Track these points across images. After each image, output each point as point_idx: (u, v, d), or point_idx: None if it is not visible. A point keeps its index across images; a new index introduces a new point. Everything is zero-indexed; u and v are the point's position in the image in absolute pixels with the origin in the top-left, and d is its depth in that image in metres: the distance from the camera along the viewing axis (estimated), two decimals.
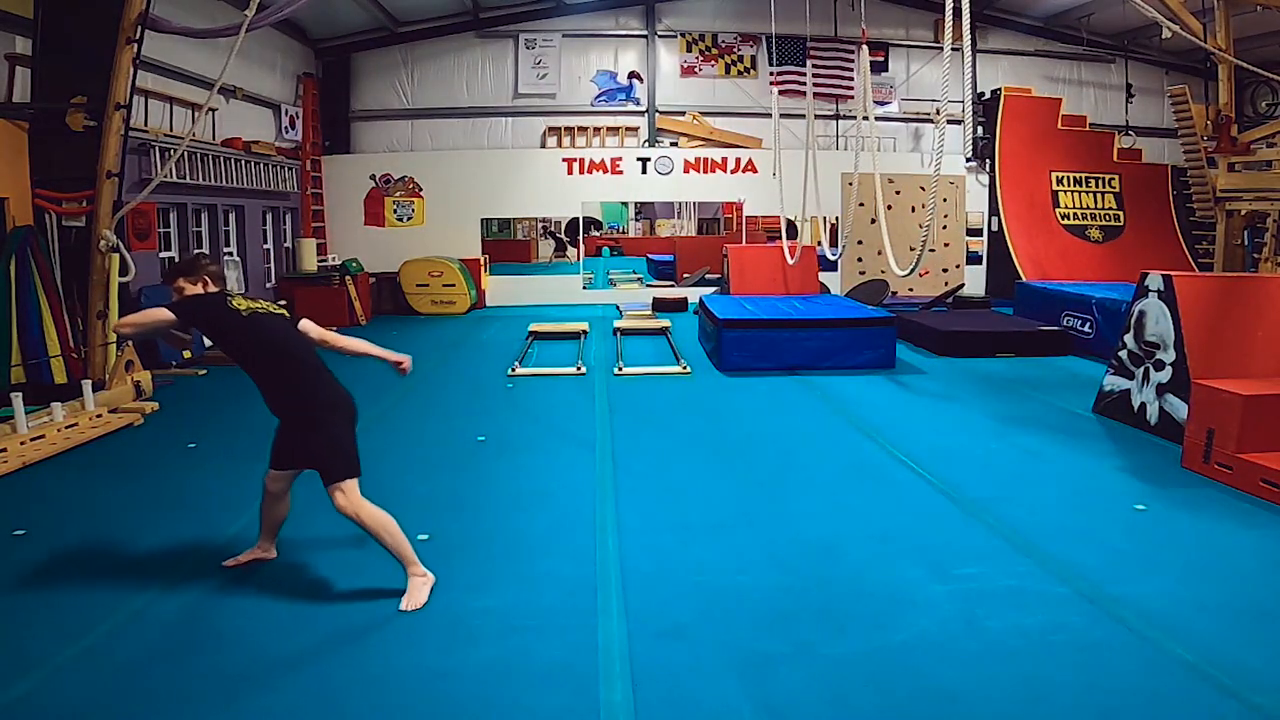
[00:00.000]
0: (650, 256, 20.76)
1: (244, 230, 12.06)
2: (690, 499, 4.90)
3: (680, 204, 23.62)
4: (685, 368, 8.85)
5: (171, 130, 10.08)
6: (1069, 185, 14.60)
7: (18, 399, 5.95)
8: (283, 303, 3.72)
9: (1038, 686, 2.88)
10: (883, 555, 4.03)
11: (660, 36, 15.34)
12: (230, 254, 11.83)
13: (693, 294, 14.18)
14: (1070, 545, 4.11)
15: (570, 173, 14.86)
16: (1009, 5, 15.14)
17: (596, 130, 15.27)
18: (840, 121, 15.58)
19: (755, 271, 11.79)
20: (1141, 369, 6.37)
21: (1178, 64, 15.65)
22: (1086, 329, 9.75)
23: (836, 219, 15.05)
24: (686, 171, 15.01)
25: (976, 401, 7.43)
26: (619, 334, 11.21)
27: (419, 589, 3.52)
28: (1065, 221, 14.48)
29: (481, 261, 14.86)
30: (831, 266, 13.82)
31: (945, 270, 14.87)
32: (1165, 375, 6.10)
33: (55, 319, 7.36)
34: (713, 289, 13.87)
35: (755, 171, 14.85)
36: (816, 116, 13.77)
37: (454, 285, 13.89)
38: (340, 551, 4.11)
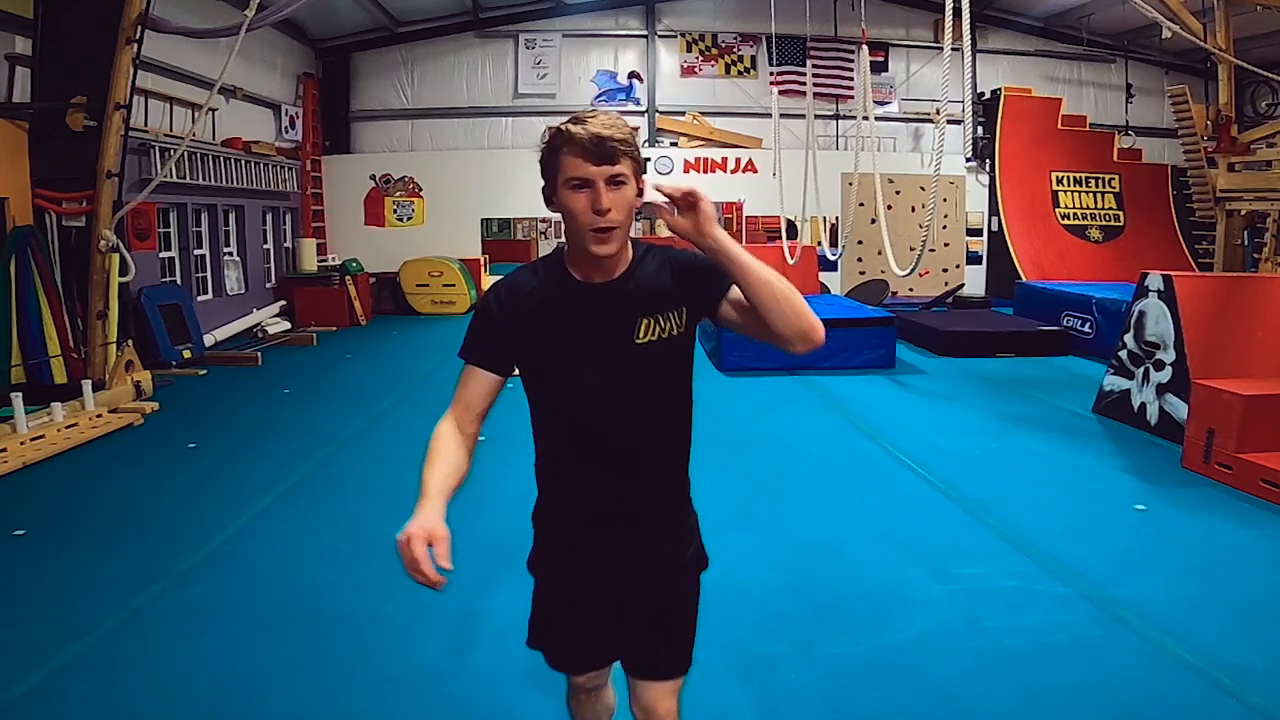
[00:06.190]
0: None
1: (244, 230, 12.05)
2: None
3: None
4: None
5: (171, 130, 10.07)
6: (1069, 185, 14.60)
7: (18, 399, 5.94)
8: None
9: (1038, 686, 2.88)
10: (883, 555, 4.03)
11: (660, 36, 15.33)
12: (230, 254, 11.83)
13: None
14: (1070, 545, 4.10)
15: None
16: (1009, 5, 15.13)
17: None
18: (840, 121, 15.56)
19: None
20: (1141, 369, 6.37)
21: (1178, 64, 15.64)
22: (1086, 329, 9.74)
23: (836, 219, 15.04)
24: (686, 171, 14.99)
25: (976, 401, 7.42)
26: None
27: None
28: (1065, 221, 14.47)
29: (481, 261, 14.85)
30: (831, 266, 13.85)
31: (945, 270, 14.87)
32: (1165, 375, 6.10)
33: (55, 319, 7.35)
34: None
35: (755, 171, 14.84)
36: (816, 116, 13.75)
37: (454, 285, 13.88)
38: (339, 551, 4.11)
